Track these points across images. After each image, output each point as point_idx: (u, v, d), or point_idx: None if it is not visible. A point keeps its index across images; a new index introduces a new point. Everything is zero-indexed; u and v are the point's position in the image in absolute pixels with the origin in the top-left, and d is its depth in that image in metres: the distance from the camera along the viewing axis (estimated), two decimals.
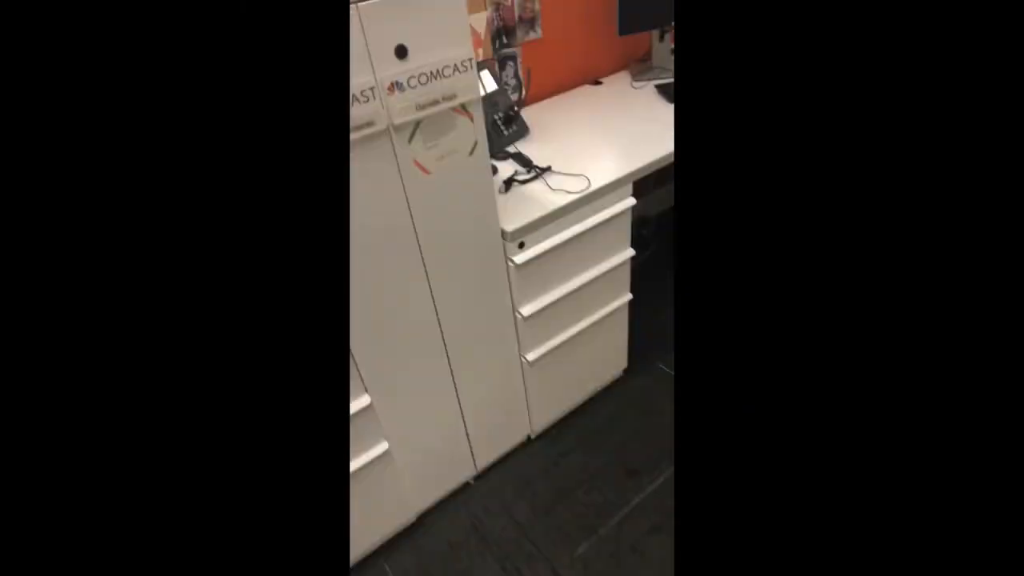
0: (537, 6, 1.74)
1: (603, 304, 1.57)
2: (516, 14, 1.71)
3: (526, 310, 1.37)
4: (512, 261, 1.28)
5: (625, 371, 1.84)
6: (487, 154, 1.14)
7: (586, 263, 1.45)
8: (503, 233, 1.23)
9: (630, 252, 1.53)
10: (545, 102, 1.85)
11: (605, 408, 1.76)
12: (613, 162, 1.42)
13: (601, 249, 1.46)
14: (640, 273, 2.26)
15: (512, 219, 1.24)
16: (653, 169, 1.43)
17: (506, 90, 1.76)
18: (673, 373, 1.84)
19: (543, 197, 1.31)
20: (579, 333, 1.54)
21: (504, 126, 1.59)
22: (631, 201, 1.44)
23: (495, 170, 1.45)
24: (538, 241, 1.30)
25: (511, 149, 1.55)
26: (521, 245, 1.27)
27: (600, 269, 1.48)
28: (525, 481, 1.58)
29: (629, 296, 1.62)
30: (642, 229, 2.48)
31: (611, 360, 1.75)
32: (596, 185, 1.33)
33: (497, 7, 1.66)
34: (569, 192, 1.31)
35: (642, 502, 1.49)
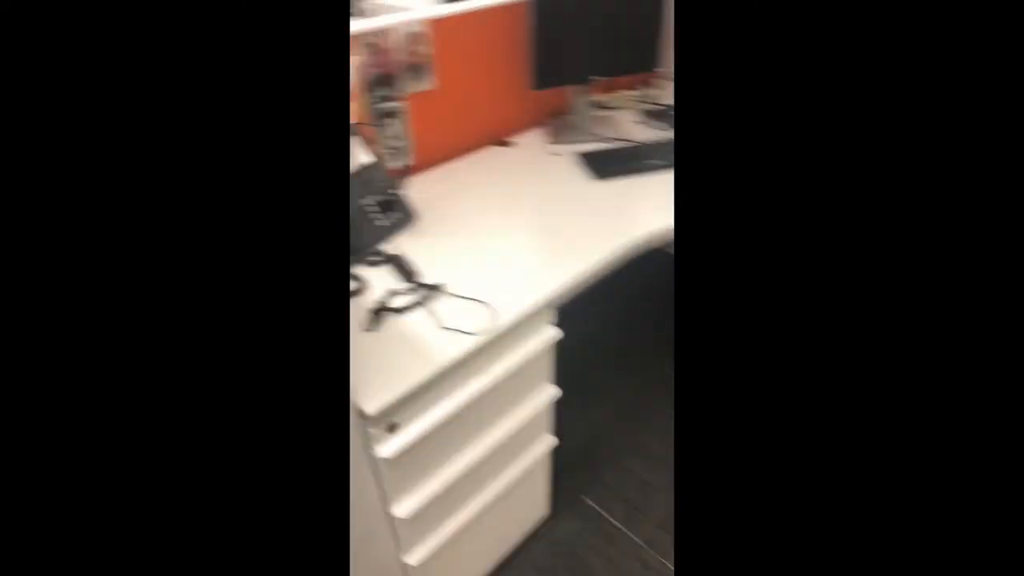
0: (427, 49, 1.33)
1: (514, 458, 1.16)
2: (399, 59, 1.28)
3: (402, 510, 0.92)
4: (377, 454, 0.83)
5: (547, 517, 1.43)
6: None
7: (492, 420, 1.03)
8: (361, 414, 0.79)
9: (552, 390, 1.14)
10: (439, 170, 1.43)
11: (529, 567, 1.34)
12: (528, 274, 1.01)
13: (512, 396, 1.05)
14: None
15: (378, 385, 0.80)
16: (586, 285, 1.05)
17: (383, 162, 1.33)
18: (599, 509, 1.46)
19: (429, 342, 0.88)
20: (484, 508, 1.11)
21: (380, 213, 1.15)
22: (552, 332, 1.04)
23: (358, 287, 1.00)
24: (418, 414, 0.86)
25: (389, 248, 1.12)
26: (392, 428, 0.83)
27: (511, 424, 1.07)
28: None
29: (551, 440, 1.22)
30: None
31: (528, 509, 1.33)
32: (505, 319, 0.92)
33: (373, 50, 1.23)
34: (466, 333, 0.89)
35: None
